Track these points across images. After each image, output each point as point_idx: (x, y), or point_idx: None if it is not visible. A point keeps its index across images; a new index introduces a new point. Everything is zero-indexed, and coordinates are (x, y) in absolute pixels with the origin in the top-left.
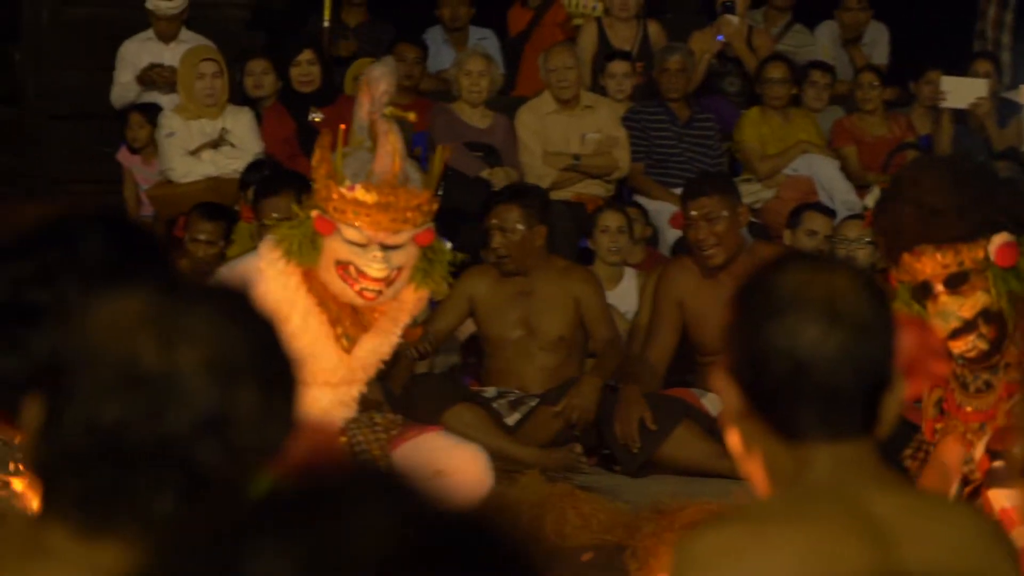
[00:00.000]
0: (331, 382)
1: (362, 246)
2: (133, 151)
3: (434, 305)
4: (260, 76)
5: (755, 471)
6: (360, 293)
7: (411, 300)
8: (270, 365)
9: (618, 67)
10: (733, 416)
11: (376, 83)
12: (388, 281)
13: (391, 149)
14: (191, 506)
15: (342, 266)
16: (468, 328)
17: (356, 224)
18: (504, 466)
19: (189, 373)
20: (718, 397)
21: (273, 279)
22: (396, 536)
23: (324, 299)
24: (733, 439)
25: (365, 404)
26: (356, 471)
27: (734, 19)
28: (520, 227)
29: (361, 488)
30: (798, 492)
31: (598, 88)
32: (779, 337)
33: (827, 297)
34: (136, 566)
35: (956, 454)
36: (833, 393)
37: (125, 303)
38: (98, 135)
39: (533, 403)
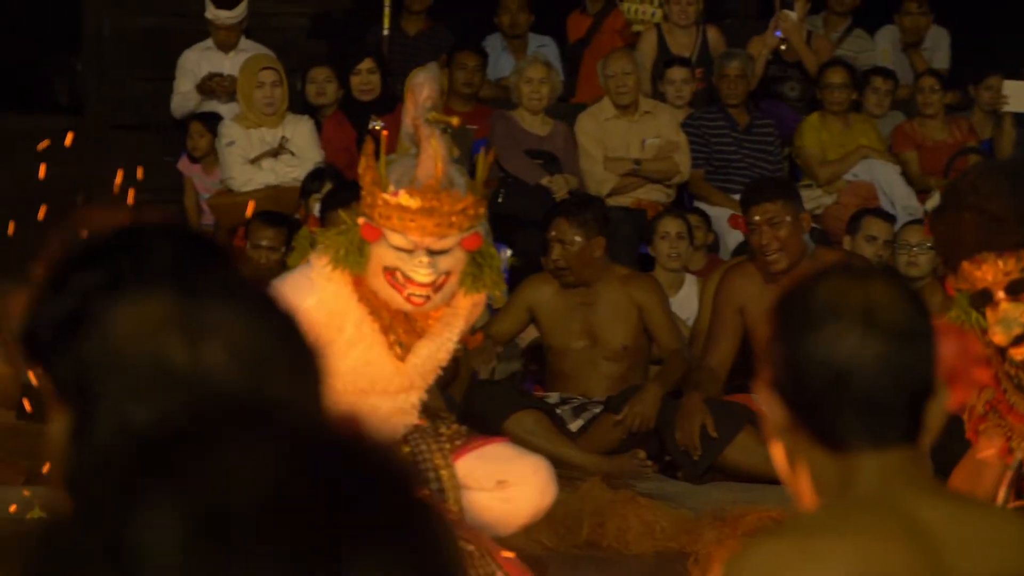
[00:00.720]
0: (388, 390)
1: (408, 252)
2: (193, 160)
3: (493, 311)
4: (323, 84)
5: (802, 484)
6: (408, 299)
7: (465, 306)
8: (296, 353)
9: (677, 73)
10: (777, 429)
11: (419, 89)
12: (436, 286)
13: (433, 154)
14: None
15: (389, 272)
16: (530, 335)
17: (401, 230)
18: (566, 472)
19: (219, 367)
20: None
21: (324, 289)
22: (283, 469)
23: (376, 307)
24: (778, 453)
25: (429, 413)
26: (228, 406)
27: (792, 14)
28: (578, 239)
29: (240, 422)
30: (846, 503)
31: (658, 95)
32: (817, 347)
33: (864, 305)
34: None
35: (995, 455)
36: (874, 401)
37: (145, 306)
38: (159, 144)
39: (596, 410)
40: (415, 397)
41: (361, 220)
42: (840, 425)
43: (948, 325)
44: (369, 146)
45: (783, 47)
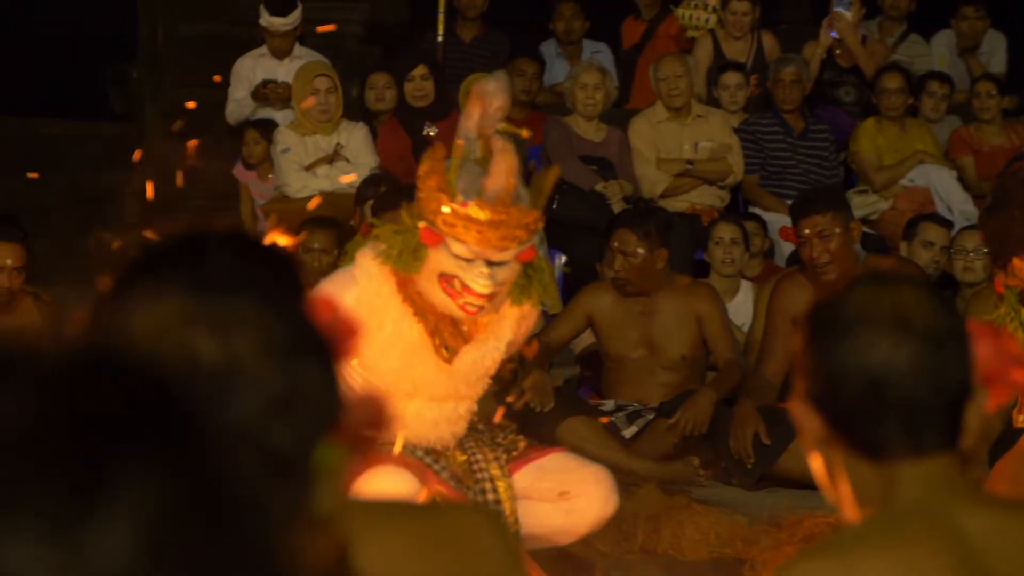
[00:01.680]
0: (434, 395)
1: (468, 260)
2: (249, 167)
3: (549, 318)
4: (382, 90)
5: (843, 495)
6: (462, 307)
7: (512, 315)
8: (317, 338)
9: (731, 78)
10: (815, 442)
11: (491, 98)
12: (492, 297)
13: (506, 168)
14: (270, 492)
15: (446, 279)
16: (585, 341)
17: (465, 239)
18: (621, 479)
19: (250, 357)
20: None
21: (365, 285)
22: (39, 407)
23: (421, 308)
24: (817, 465)
25: (486, 420)
26: None
27: (847, 14)
28: (641, 251)
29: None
30: (888, 516)
31: (712, 100)
32: (851, 356)
33: (894, 311)
34: None
35: None
36: (912, 407)
37: (164, 305)
38: (214, 151)
39: (650, 416)
40: (464, 408)
41: (422, 224)
42: (879, 433)
43: (984, 326)
44: (438, 151)
45: (838, 51)
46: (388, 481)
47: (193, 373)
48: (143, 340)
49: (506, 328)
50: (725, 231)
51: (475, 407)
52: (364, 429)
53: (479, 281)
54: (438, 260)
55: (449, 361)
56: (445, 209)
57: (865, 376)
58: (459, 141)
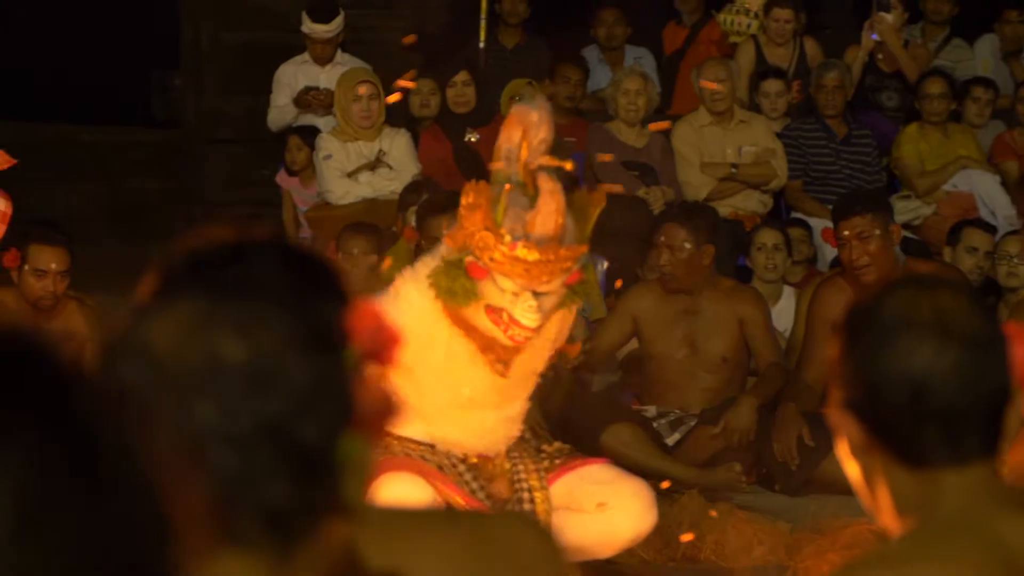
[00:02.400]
0: (493, 403)
1: (515, 293)
2: (291, 173)
3: (591, 325)
4: (427, 96)
5: (881, 503)
6: (511, 337)
7: (558, 316)
8: (338, 334)
9: (772, 86)
10: (853, 449)
11: (535, 130)
12: (539, 329)
13: (555, 208)
14: (307, 489)
15: (493, 310)
16: (628, 346)
17: (512, 277)
18: (664, 485)
19: (275, 355)
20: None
21: (409, 311)
22: None
23: (469, 329)
24: (854, 473)
25: (531, 428)
26: None
27: (888, 16)
28: (688, 246)
29: None
30: (930, 529)
31: (754, 106)
32: (892, 362)
33: (936, 316)
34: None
35: None
36: (954, 413)
37: (181, 311)
38: (257, 158)
39: (692, 423)
40: (519, 405)
41: (468, 259)
42: (919, 440)
43: (1019, 329)
44: (482, 187)
45: (880, 55)
46: (406, 489)
47: (218, 375)
48: (163, 347)
49: (553, 328)
50: (768, 237)
51: (528, 403)
52: (376, 420)
53: (527, 315)
54: (484, 292)
55: (504, 374)
56: (491, 247)
57: (906, 382)
58: (507, 187)
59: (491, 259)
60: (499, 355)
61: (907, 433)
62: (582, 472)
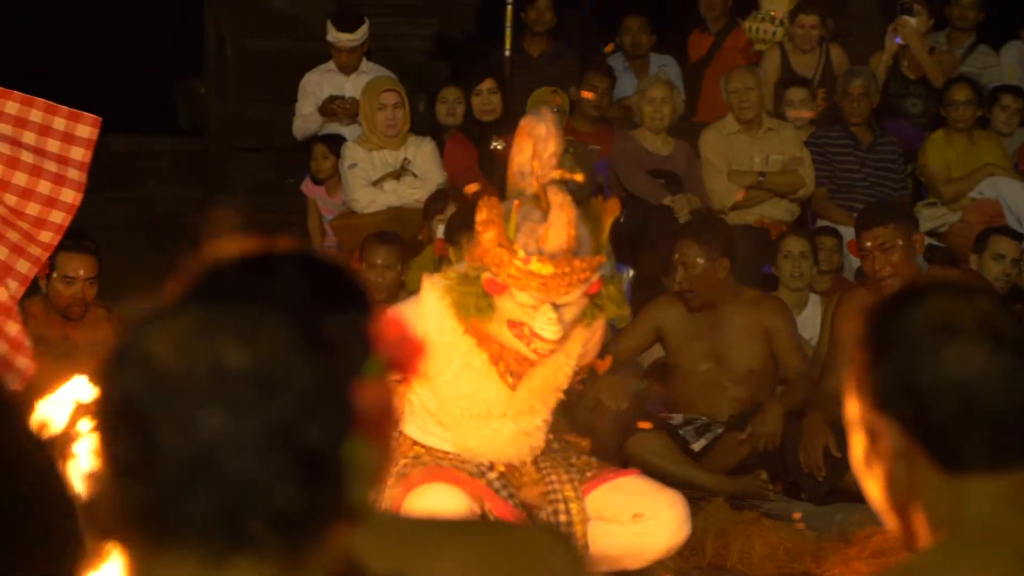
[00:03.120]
0: (507, 415)
1: (534, 307)
2: (317, 182)
3: (616, 331)
4: (453, 104)
5: (914, 512)
6: (534, 351)
7: (581, 333)
8: (343, 337)
9: (796, 94)
10: (889, 456)
11: (543, 143)
12: (562, 340)
13: (566, 221)
14: (316, 490)
15: (515, 324)
16: (654, 355)
17: (529, 290)
18: (690, 493)
19: (278, 359)
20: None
21: (430, 320)
22: None
23: (483, 338)
24: (872, 481)
25: (560, 439)
26: None
27: (911, 19)
28: (701, 261)
29: None
30: (961, 537)
31: (779, 114)
32: (942, 368)
33: (983, 321)
34: None
35: None
36: (1003, 419)
37: (181, 321)
38: (282, 167)
39: (719, 430)
40: (539, 419)
41: (486, 276)
42: (965, 446)
43: None
44: (494, 203)
45: (905, 61)
46: (440, 498)
47: (222, 381)
48: (164, 356)
49: (575, 345)
50: (795, 245)
51: (550, 419)
52: (379, 422)
53: (548, 328)
54: (504, 308)
55: (513, 386)
56: (506, 263)
57: (957, 389)
58: (516, 203)
59: (507, 275)
60: (509, 367)
61: (953, 439)
62: (616, 483)
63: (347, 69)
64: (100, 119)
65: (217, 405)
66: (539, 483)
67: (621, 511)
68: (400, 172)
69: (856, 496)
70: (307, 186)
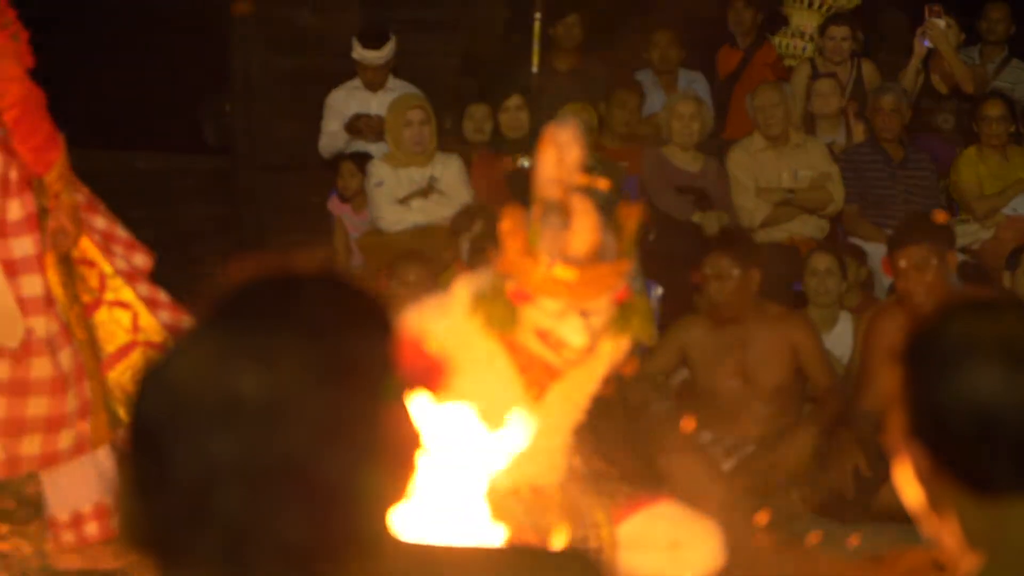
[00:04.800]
0: (526, 429)
1: (561, 314)
2: (343, 200)
3: (644, 350)
4: (481, 121)
5: (949, 533)
6: (564, 360)
7: (607, 350)
8: (367, 364)
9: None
10: (919, 477)
11: (567, 149)
12: (590, 348)
13: (589, 227)
14: (325, 522)
15: (543, 334)
16: (682, 374)
17: (555, 297)
18: (720, 513)
19: (294, 389)
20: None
21: (458, 321)
22: None
23: (511, 349)
24: (916, 500)
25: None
26: None
27: (940, 22)
28: (735, 272)
29: None
30: (999, 564)
31: (811, 129)
32: (960, 388)
33: (1004, 340)
34: None
35: None
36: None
37: (202, 345)
38: (308, 184)
39: (749, 449)
40: (559, 438)
41: (510, 285)
42: (989, 468)
43: None
44: (516, 212)
45: (935, 76)
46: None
47: (234, 409)
48: (182, 381)
49: (600, 362)
50: (820, 261)
51: (571, 439)
52: (406, 454)
53: (575, 336)
54: (532, 317)
55: (538, 397)
56: (531, 272)
57: (974, 409)
58: (538, 185)
59: (533, 283)
60: (536, 378)
61: (975, 461)
62: (651, 511)
63: (373, 86)
64: None
65: (228, 432)
66: (567, 507)
67: (658, 539)
68: (427, 190)
69: (887, 515)
70: (333, 204)
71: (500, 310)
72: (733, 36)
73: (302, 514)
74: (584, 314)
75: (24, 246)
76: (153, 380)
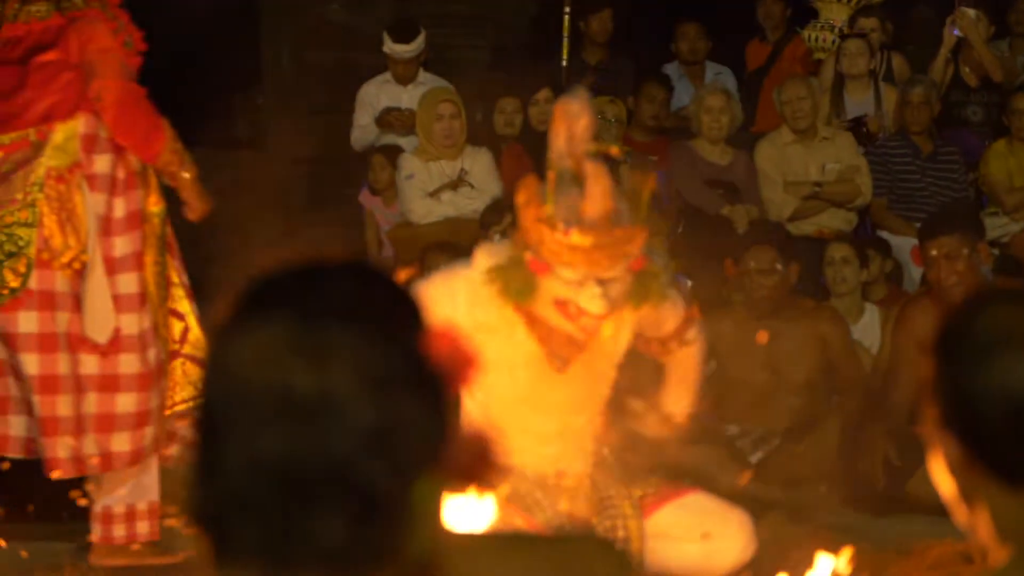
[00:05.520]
0: (550, 405)
1: (579, 283)
2: (374, 192)
3: None
4: (511, 115)
5: (980, 524)
6: (582, 328)
7: (631, 319)
8: (424, 373)
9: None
10: (951, 468)
11: (576, 119)
12: (608, 315)
13: (601, 191)
14: (363, 530)
15: (561, 303)
16: (711, 366)
17: (572, 265)
18: (747, 505)
19: (345, 392)
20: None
21: (479, 292)
22: None
23: (533, 319)
24: (949, 491)
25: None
26: None
27: (970, 11)
28: (779, 267)
29: None
30: None
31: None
32: (993, 379)
33: None
34: None
35: None
36: None
37: (266, 332)
38: (340, 177)
39: (776, 441)
40: (585, 419)
41: (529, 255)
42: (1021, 460)
43: None
44: (531, 183)
45: (966, 68)
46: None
47: (286, 406)
48: (239, 369)
49: (624, 333)
50: (836, 251)
51: (597, 420)
52: (471, 468)
53: (594, 303)
54: (550, 287)
55: (561, 370)
56: (547, 240)
57: (1006, 400)
58: (550, 173)
59: (550, 251)
60: (557, 349)
61: (1007, 452)
62: (682, 502)
63: (404, 80)
64: None
65: (275, 428)
66: (595, 497)
67: (688, 530)
68: (457, 183)
69: (916, 507)
70: (364, 197)
71: (519, 280)
72: (762, 30)
73: (343, 520)
74: (601, 283)
75: (125, 244)
76: (219, 363)
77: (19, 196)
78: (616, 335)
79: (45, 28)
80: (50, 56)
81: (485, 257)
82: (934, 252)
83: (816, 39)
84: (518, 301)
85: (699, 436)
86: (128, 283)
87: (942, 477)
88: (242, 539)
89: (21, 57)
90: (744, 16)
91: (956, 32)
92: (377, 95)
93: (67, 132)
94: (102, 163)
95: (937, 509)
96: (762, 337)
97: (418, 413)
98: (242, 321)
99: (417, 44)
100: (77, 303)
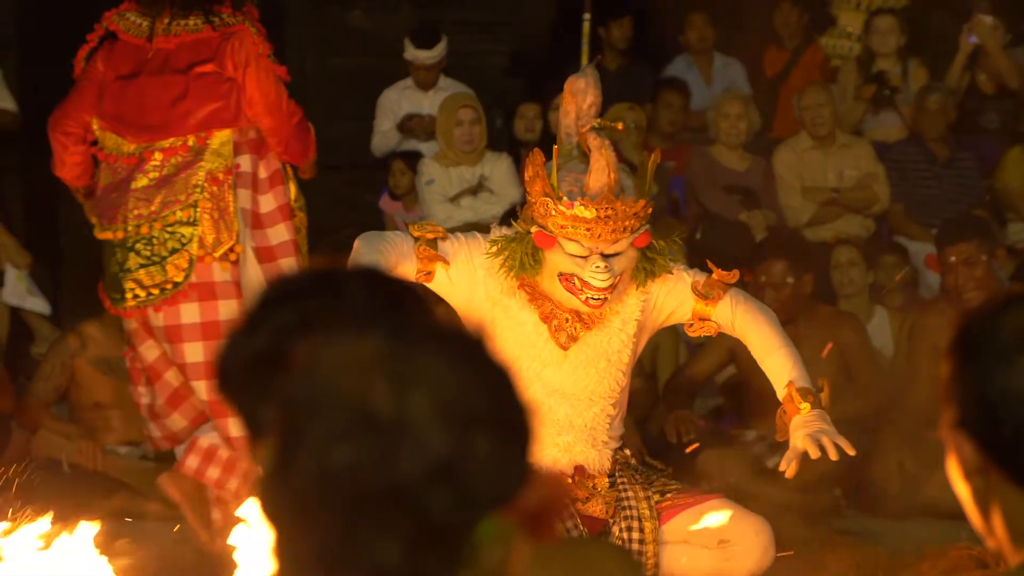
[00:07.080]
0: (556, 385)
1: (583, 257)
2: (395, 198)
3: (693, 350)
4: (532, 120)
5: (996, 528)
6: (586, 302)
7: (639, 297)
8: (505, 412)
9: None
10: (967, 471)
11: (582, 95)
12: (612, 288)
13: (605, 163)
14: (419, 555)
15: (566, 277)
16: (728, 371)
17: (576, 238)
18: (763, 510)
19: (422, 418)
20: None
21: (492, 266)
22: None
23: (537, 295)
24: (965, 494)
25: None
26: None
27: (987, 19)
28: (790, 280)
29: None
30: None
31: (857, 129)
32: (1012, 381)
33: None
34: None
35: None
36: None
37: (358, 346)
38: (361, 183)
39: None
40: (597, 407)
41: (534, 229)
42: None
43: None
44: (538, 157)
45: (983, 76)
46: None
47: (362, 422)
48: (324, 377)
49: (632, 310)
50: (842, 254)
51: (611, 411)
52: (539, 515)
53: (597, 276)
54: (555, 261)
55: (566, 347)
56: (553, 212)
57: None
58: (556, 147)
59: (555, 224)
60: (562, 326)
61: (1022, 456)
62: (701, 508)
63: (425, 86)
64: None
65: (351, 442)
66: (612, 497)
67: (708, 536)
68: (477, 188)
69: (930, 511)
70: (385, 202)
71: (524, 254)
72: (780, 37)
73: (401, 543)
74: (606, 257)
75: (279, 233)
76: (306, 367)
77: (182, 197)
78: (624, 326)
79: (197, 41)
80: (208, 68)
81: (496, 232)
82: (952, 258)
83: (834, 46)
84: (522, 274)
85: (717, 441)
86: (289, 268)
87: (958, 480)
88: (302, 543)
89: (182, 68)
90: (761, 23)
91: (973, 39)
92: (398, 101)
93: (222, 138)
94: (244, 163)
95: (951, 513)
96: None
97: (491, 451)
98: (334, 329)
99: (438, 50)
100: (239, 290)
